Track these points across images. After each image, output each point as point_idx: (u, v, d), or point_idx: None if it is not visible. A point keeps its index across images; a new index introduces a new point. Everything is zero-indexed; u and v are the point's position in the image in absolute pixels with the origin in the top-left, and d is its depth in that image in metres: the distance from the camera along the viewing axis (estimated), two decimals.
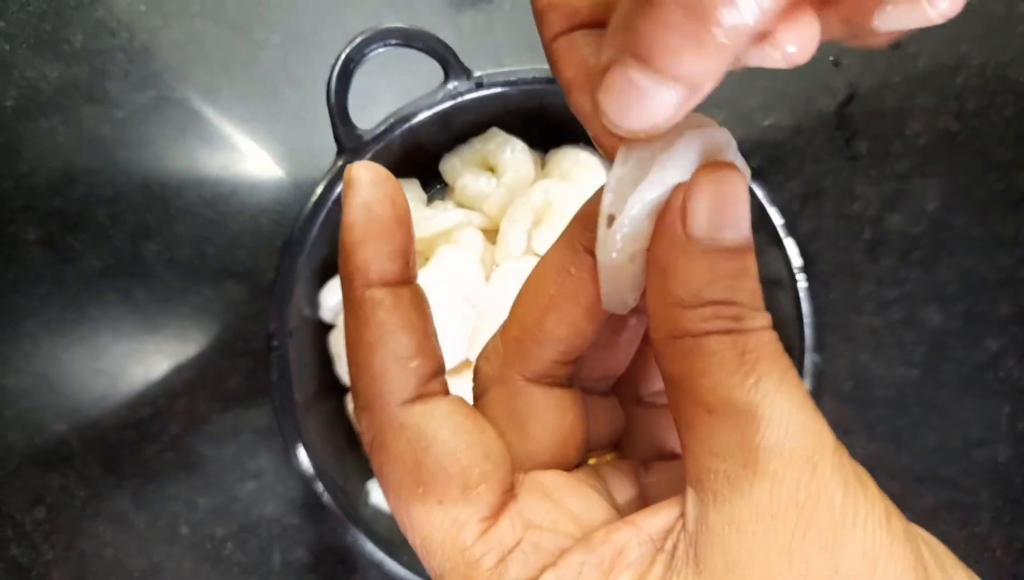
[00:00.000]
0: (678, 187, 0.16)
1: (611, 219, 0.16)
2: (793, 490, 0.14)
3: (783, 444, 0.14)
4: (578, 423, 0.18)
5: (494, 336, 0.18)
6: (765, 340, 0.15)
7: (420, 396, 0.16)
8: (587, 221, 0.17)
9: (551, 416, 0.18)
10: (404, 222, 0.16)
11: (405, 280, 0.16)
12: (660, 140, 0.16)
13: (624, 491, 0.19)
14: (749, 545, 0.14)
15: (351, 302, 0.16)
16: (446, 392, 0.17)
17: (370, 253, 0.16)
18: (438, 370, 0.17)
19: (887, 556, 0.14)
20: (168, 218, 0.46)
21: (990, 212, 0.46)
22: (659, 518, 0.16)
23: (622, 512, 0.18)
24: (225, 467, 0.43)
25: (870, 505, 0.15)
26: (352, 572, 0.43)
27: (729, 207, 0.15)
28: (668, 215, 0.15)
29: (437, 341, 0.17)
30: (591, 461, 0.20)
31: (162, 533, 0.42)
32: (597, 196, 0.17)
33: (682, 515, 0.16)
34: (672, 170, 0.16)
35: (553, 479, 0.17)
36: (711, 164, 0.16)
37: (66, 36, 0.49)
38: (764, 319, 0.15)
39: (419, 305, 0.17)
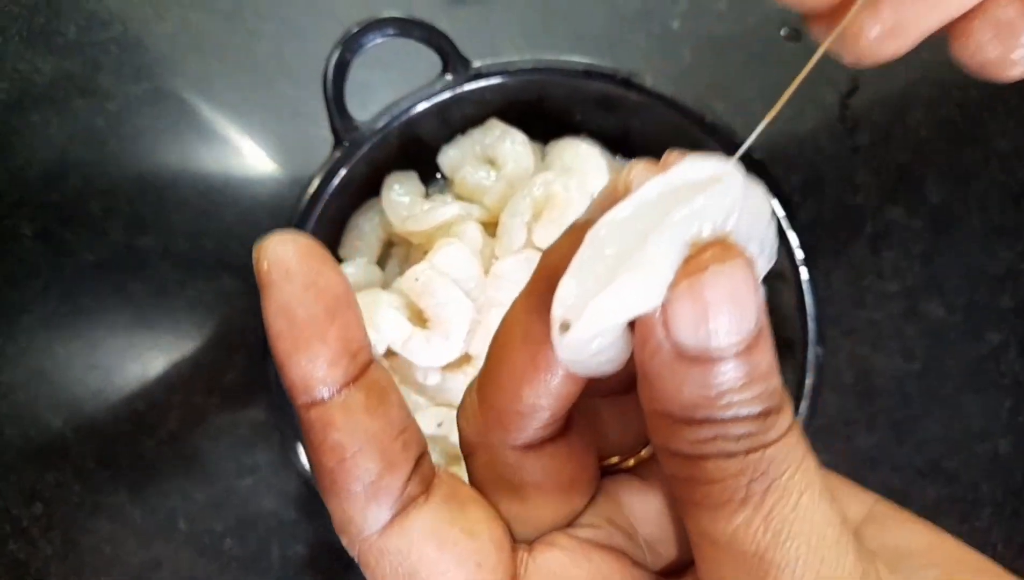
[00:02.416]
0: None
1: (565, 326, 0.13)
2: None
3: None
4: (581, 471, 0.17)
5: (470, 388, 0.16)
6: (781, 456, 0.13)
7: (398, 513, 0.14)
8: (549, 280, 0.14)
9: (546, 477, 0.16)
10: (339, 310, 0.14)
11: (355, 376, 0.14)
12: (637, 215, 0.12)
13: (648, 511, 0.17)
14: None
15: (300, 418, 0.14)
16: (428, 484, 0.15)
17: (304, 367, 0.14)
18: (416, 464, 0.15)
19: None
20: (164, 211, 0.46)
21: (991, 204, 0.46)
22: None
23: (644, 554, 0.17)
24: (222, 461, 0.43)
25: None
26: (350, 567, 0.42)
27: (723, 307, 0.12)
28: (646, 318, 0.13)
29: (412, 425, 0.15)
30: (630, 462, 0.18)
31: (160, 527, 0.42)
32: (559, 246, 0.14)
33: None
34: (644, 272, 0.12)
35: (558, 559, 0.16)
36: (700, 251, 0.12)
37: (59, 28, 0.49)
38: (782, 424, 0.13)
39: (379, 402, 0.14)
